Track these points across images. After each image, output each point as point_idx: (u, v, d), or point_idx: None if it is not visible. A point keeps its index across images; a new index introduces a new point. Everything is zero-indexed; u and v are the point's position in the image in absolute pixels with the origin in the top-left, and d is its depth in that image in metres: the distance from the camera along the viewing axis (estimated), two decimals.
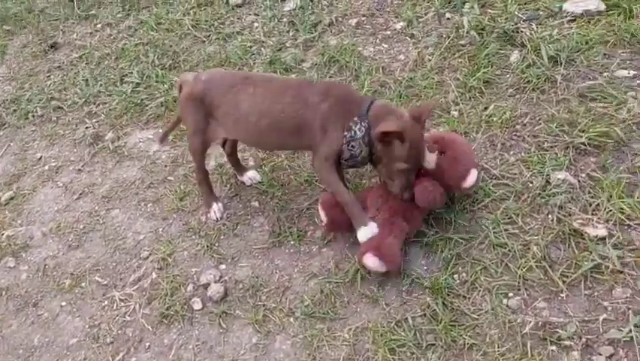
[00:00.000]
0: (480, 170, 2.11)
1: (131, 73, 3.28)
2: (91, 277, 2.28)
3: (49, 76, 3.53)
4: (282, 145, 2.20)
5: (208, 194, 2.34)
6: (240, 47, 3.29)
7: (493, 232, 1.99)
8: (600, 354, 1.64)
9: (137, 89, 3.17)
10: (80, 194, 2.67)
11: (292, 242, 2.20)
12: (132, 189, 2.62)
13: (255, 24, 3.53)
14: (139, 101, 3.07)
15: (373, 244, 1.89)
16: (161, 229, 2.39)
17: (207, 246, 2.26)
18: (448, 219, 2.08)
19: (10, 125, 3.22)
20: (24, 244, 2.48)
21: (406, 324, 1.84)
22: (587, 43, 2.67)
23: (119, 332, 2.06)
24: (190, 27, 3.58)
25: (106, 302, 2.17)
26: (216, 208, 2.33)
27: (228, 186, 2.50)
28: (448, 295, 1.87)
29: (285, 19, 3.48)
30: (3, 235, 2.54)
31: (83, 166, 2.81)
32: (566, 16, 2.88)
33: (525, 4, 3.05)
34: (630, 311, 1.69)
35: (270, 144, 2.19)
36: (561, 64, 2.60)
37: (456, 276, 1.92)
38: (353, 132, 1.94)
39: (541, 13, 2.95)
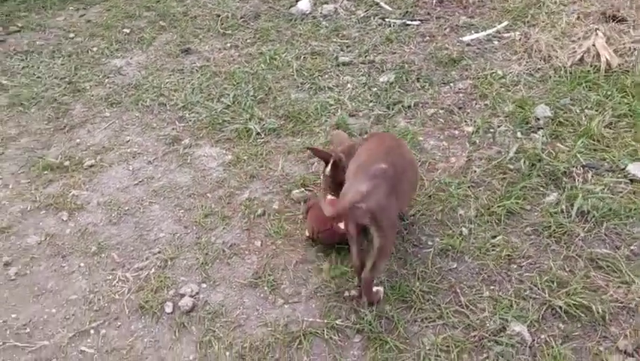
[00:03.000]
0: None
1: (228, 95, 3.76)
2: (110, 252, 2.72)
3: (170, 75, 4.13)
4: None
5: None
6: (322, 102, 3.62)
7: (426, 353, 2.09)
8: None
9: (226, 110, 3.63)
10: (140, 182, 3.15)
11: (265, 288, 2.46)
12: (177, 192, 3.05)
13: (348, 85, 3.84)
14: (221, 121, 3.53)
15: None
16: (178, 235, 2.78)
17: (202, 263, 2.60)
18: (397, 325, 2.21)
19: (123, 105, 3.85)
20: (81, 205, 3.01)
21: None
22: (628, 210, 2.62)
23: (105, 305, 2.47)
24: (294, 70, 3.99)
25: (110, 277, 2.60)
26: None
27: (245, 219, 2.82)
28: None
29: (374, 89, 3.76)
30: (71, 192, 3.09)
31: (153, 160, 3.31)
32: (625, 177, 2.83)
33: (595, 150, 3.03)
34: None
35: None
36: (589, 221, 2.59)
37: None
38: None
39: (605, 164, 2.93)
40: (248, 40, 4.51)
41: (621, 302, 2.23)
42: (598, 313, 2.18)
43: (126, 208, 2.98)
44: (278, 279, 2.49)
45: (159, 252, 2.69)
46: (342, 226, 2.40)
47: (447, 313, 2.24)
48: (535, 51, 3.97)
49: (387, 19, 4.67)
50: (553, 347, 2.07)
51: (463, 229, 2.63)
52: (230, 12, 4.95)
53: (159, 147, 3.41)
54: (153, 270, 2.61)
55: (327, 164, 2.58)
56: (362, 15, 4.76)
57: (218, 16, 4.86)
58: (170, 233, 2.80)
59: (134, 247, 2.75)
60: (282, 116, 3.55)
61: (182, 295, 2.45)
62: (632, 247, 2.48)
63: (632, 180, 2.81)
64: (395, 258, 2.51)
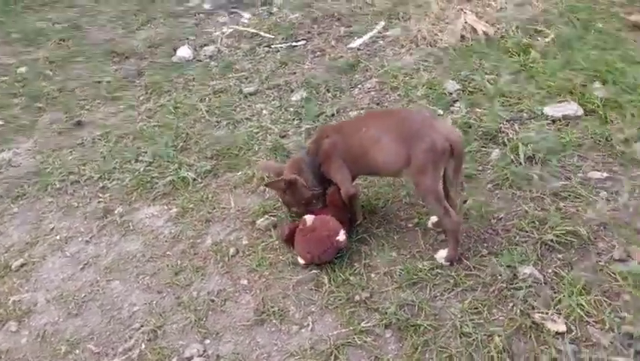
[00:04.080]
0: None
1: (146, 152, 3.56)
2: (85, 345, 2.42)
3: (71, 151, 3.82)
4: None
5: None
6: (246, 133, 3.57)
7: (460, 321, 2.11)
8: None
9: (149, 167, 3.43)
10: (85, 264, 2.85)
11: (274, 321, 2.33)
12: (133, 262, 2.80)
13: (264, 111, 3.83)
14: (149, 179, 3.32)
15: None
16: (154, 302, 2.54)
17: (195, 320, 2.40)
18: (420, 306, 2.21)
19: (29, 195, 3.47)
20: (28, 309, 2.65)
21: None
22: (563, 145, 2.87)
23: None
24: (204, 112, 3.90)
25: None
26: None
27: (221, 263, 2.67)
28: None
29: (291, 109, 3.78)
30: (9, 300, 2.71)
31: (90, 238, 3.02)
32: (547, 119, 3.10)
33: (510, 105, 3.29)
34: None
35: None
36: (537, 163, 2.79)
37: None
38: None
39: (523, 114, 3.18)
40: (141, 98, 4.32)
41: (596, 221, 2.42)
42: (584, 235, 2.34)
43: (82, 295, 2.68)
44: (283, 308, 2.38)
45: (142, 325, 2.45)
46: (340, 238, 2.36)
47: (460, 279, 2.27)
48: (421, 39, 4.26)
49: (272, 46, 4.75)
50: (564, 276, 2.19)
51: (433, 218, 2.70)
52: (108, 76, 4.71)
53: (91, 223, 3.13)
54: (144, 345, 2.36)
55: (284, 191, 2.58)
56: (247, 48, 4.79)
57: (99, 82, 4.61)
58: (145, 303, 2.56)
59: (110, 330, 2.47)
60: (211, 157, 3.43)
61: (190, 359, 2.24)
62: (579, 174, 2.72)
63: (553, 120, 3.08)
64: (387, 246, 2.51)
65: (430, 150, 2.20)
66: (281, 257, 2.62)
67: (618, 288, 2.11)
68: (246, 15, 5.53)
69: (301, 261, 2.50)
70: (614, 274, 2.16)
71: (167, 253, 2.81)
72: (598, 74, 3.29)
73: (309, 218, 2.49)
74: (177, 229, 2.95)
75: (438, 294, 2.25)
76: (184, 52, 4.89)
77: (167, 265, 2.72)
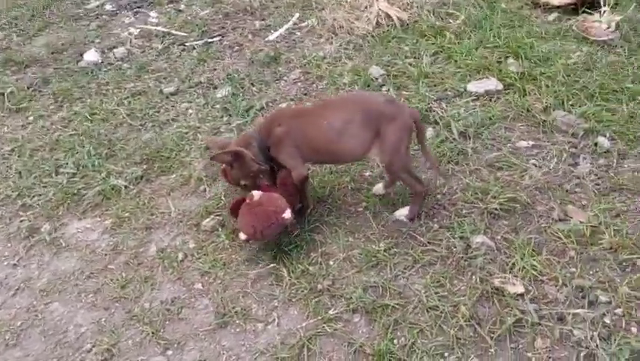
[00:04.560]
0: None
1: (67, 164, 3.32)
2: None
3: None
4: None
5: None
6: (175, 134, 3.43)
7: (425, 296, 2.16)
8: None
9: (74, 179, 3.20)
10: (17, 290, 2.62)
11: (237, 321, 2.27)
12: (71, 280, 2.61)
13: (190, 111, 3.70)
14: (75, 191, 3.10)
15: None
16: (103, 320, 2.39)
17: (152, 333, 2.28)
18: (384, 286, 2.24)
19: None
20: None
21: None
22: (490, 119, 3.02)
23: None
24: (125, 116, 3.70)
25: None
26: None
27: (170, 270, 2.55)
28: (390, 360, 1.99)
29: (218, 106, 3.68)
30: None
31: (18, 260, 2.77)
32: (471, 96, 3.24)
33: (435, 85, 3.41)
34: (552, 360, 1.88)
35: None
36: (470, 138, 2.91)
37: (395, 341, 2.06)
38: None
39: (449, 93, 3.31)
40: (52, 107, 4.02)
41: (532, 186, 2.57)
42: (524, 201, 2.47)
43: (19, 323, 2.46)
44: (244, 307, 2.32)
45: (93, 346, 2.29)
46: (286, 215, 2.33)
47: (418, 256, 2.33)
48: (338, 28, 4.29)
49: (187, 44, 4.59)
50: (513, 241, 2.31)
51: (379, 185, 2.74)
52: (10, 87, 4.33)
53: (16, 245, 2.87)
54: None
55: (230, 164, 2.54)
56: (160, 47, 4.60)
57: (1, 94, 4.23)
58: (93, 322, 2.39)
59: (57, 356, 2.29)
60: (141, 162, 3.27)
61: None
62: (508, 145, 2.88)
63: (477, 97, 3.23)
64: (341, 232, 2.52)
65: (401, 128, 2.31)
66: (234, 256, 2.55)
67: (563, 246, 2.25)
68: (153, 14, 5.30)
69: (242, 236, 2.45)
70: (558, 233, 2.30)
71: (109, 266, 2.65)
72: (510, 51, 3.49)
73: (256, 193, 2.43)
74: (115, 240, 2.78)
75: (399, 273, 2.29)
76: (91, 56, 4.60)
77: (111, 280, 2.56)
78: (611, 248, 2.21)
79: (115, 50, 4.66)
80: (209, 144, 2.94)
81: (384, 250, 2.38)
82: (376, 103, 2.38)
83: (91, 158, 3.33)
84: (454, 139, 2.90)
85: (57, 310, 2.47)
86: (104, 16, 5.39)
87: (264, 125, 2.56)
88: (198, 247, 2.64)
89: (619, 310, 1.99)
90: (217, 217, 2.76)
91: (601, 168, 2.62)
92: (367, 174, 2.83)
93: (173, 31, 4.83)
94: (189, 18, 5.04)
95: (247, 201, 2.43)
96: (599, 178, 2.58)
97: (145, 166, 3.23)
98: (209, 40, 4.59)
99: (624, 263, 2.16)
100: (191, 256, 2.60)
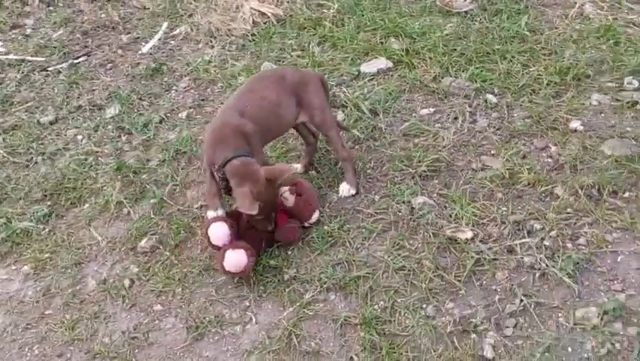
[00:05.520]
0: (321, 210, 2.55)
1: None
2: None
3: None
4: None
5: None
6: (73, 162, 3.19)
7: (390, 260, 2.30)
8: (507, 326, 2.02)
9: None
10: None
11: (213, 330, 2.22)
12: (6, 337, 2.34)
13: (79, 137, 3.45)
14: None
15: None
16: None
17: None
18: (349, 261, 2.34)
19: None
20: None
21: None
22: (390, 94, 3.25)
23: None
24: (5, 154, 3.34)
25: None
26: None
27: (120, 299, 2.41)
28: (377, 324, 2.10)
29: (110, 126, 3.48)
30: None
31: None
32: (366, 77, 3.45)
33: (330, 72, 3.56)
34: (515, 286, 2.13)
35: None
36: (379, 114, 3.11)
37: (376, 306, 2.17)
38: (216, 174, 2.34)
39: (345, 78, 3.49)
40: None
41: (447, 147, 2.84)
42: (446, 159, 2.73)
43: None
44: (217, 314, 2.27)
45: None
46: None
47: (371, 226, 2.46)
48: (215, 31, 4.28)
49: (50, 69, 4.25)
50: (447, 194, 2.55)
51: (312, 172, 2.83)
52: None
53: None
54: None
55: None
56: (19, 77, 4.19)
57: None
58: None
59: None
60: (44, 198, 2.99)
61: None
62: (414, 115, 3.12)
63: (372, 77, 3.45)
64: None
65: (319, 89, 2.57)
66: (186, 270, 2.47)
67: (490, 191, 2.53)
68: None
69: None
70: (483, 181, 2.57)
71: (46, 312, 2.42)
72: (389, 31, 3.76)
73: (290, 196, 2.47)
74: (43, 284, 2.55)
75: (359, 245, 2.40)
76: None
77: (54, 325, 2.35)
78: (529, 184, 2.53)
79: None
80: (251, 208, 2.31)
81: (338, 228, 2.47)
82: (286, 73, 2.60)
83: None
84: (367, 117, 3.07)
85: None
86: None
87: (236, 139, 2.34)
88: (143, 269, 2.51)
89: (553, 233, 2.30)
90: (154, 236, 2.65)
91: (496, 121, 2.97)
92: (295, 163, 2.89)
93: (29, 57, 4.43)
94: (42, 42, 4.66)
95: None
96: (497, 130, 2.91)
97: (49, 202, 2.98)
98: (75, 61, 4.29)
99: (544, 194, 2.49)
100: (139, 280, 2.47)
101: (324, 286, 2.26)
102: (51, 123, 3.60)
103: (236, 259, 2.27)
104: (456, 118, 3.02)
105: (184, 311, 2.30)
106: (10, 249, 2.73)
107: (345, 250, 2.39)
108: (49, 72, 4.19)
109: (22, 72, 4.24)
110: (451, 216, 2.44)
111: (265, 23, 4.22)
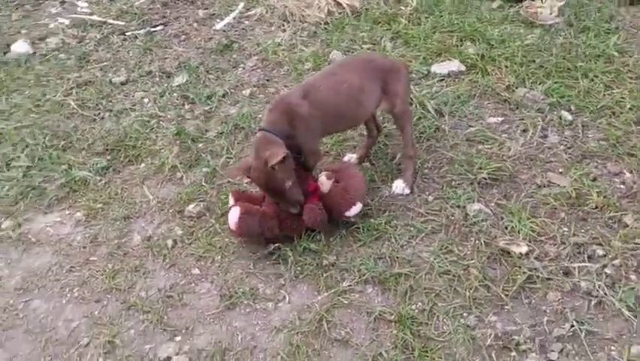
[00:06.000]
0: (365, 205, 2.40)
1: (18, 157, 3.04)
2: None
3: None
4: None
5: None
6: (136, 122, 3.25)
7: (436, 262, 2.21)
8: (553, 351, 1.89)
9: (30, 172, 2.94)
10: None
11: (246, 302, 2.19)
12: (50, 276, 2.40)
13: (146, 100, 3.52)
14: (36, 185, 2.85)
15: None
16: (97, 312, 2.22)
17: (156, 320, 2.15)
18: (392, 257, 2.26)
19: None
20: None
21: (381, 359, 1.94)
22: (459, 97, 3.14)
23: None
24: (76, 107, 3.46)
25: None
26: None
27: (161, 258, 2.42)
28: (412, 324, 2.02)
29: (176, 94, 3.53)
30: None
31: None
32: (436, 77, 3.36)
33: None
34: (567, 310, 1.99)
35: None
36: (444, 115, 3.01)
37: (414, 306, 2.08)
38: None
39: (414, 75, 3.40)
40: None
41: (512, 158, 2.71)
42: (509, 170, 2.60)
43: None
44: (251, 287, 2.25)
45: (90, 340, 2.12)
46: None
47: (420, 226, 2.37)
48: (290, 16, 4.27)
49: (128, 34, 4.37)
50: (506, 205, 2.42)
51: (366, 164, 2.77)
52: None
53: None
54: (102, 360, 2.04)
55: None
56: (99, 37, 4.34)
57: None
58: (85, 316, 2.22)
59: (50, 355, 2.11)
60: (104, 152, 3.07)
61: (169, 359, 2.00)
62: (480, 121, 3.01)
63: (442, 78, 3.35)
64: None
65: (406, 79, 2.56)
66: (228, 240, 2.46)
67: (554, 209, 2.39)
68: (82, 4, 5.00)
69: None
70: (546, 198, 2.44)
71: (91, 258, 2.47)
72: (466, 35, 3.65)
73: (326, 182, 2.36)
74: (92, 232, 2.60)
75: (404, 243, 2.32)
76: (20, 47, 4.26)
77: (97, 271, 2.39)
78: (596, 208, 2.38)
79: (47, 41, 4.36)
80: (235, 175, 2.54)
81: (385, 223, 2.40)
82: (375, 57, 2.66)
83: (47, 150, 3.08)
84: (431, 117, 2.98)
85: (40, 307, 2.27)
86: (26, 6, 5.02)
87: (280, 115, 2.29)
88: (187, 233, 2.52)
89: (616, 262, 2.14)
90: (202, 203, 2.65)
91: (568, 139, 2.81)
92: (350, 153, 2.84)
93: (110, 21, 4.59)
94: (124, 7, 4.81)
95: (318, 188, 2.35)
96: (568, 148, 2.76)
97: (109, 156, 3.04)
98: (152, 29, 4.40)
99: (611, 220, 2.33)
100: (182, 242, 2.48)
101: (363, 277, 2.19)
102: (122, 84, 3.70)
103: (230, 215, 2.29)
104: (525, 130, 2.88)
105: (220, 279, 2.29)
106: (67, 195, 2.81)
107: (389, 245, 2.31)
108: (126, 36, 4.32)
109: (103, 33, 4.38)
110: (506, 228, 2.32)
111: (340, 14, 4.18)
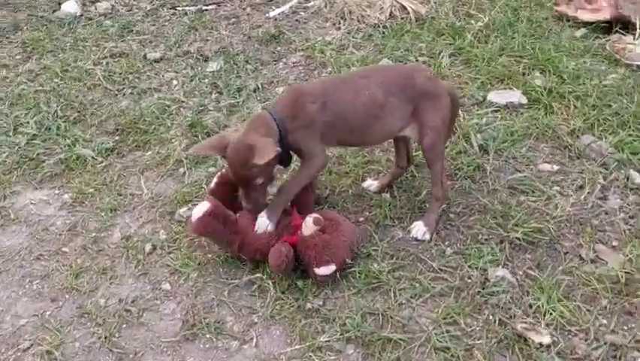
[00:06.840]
0: (341, 268, 2.01)
1: (27, 123, 2.90)
2: None
3: None
4: None
5: None
6: (156, 105, 3.03)
7: (435, 334, 1.84)
8: None
9: (34, 141, 2.79)
10: None
11: (208, 335, 1.91)
12: (16, 260, 2.21)
13: (174, 82, 3.31)
14: (34, 156, 2.70)
15: None
16: (48, 313, 2.01)
17: (105, 337, 1.91)
18: (385, 315, 1.91)
19: None
20: None
21: None
22: (512, 135, 2.72)
23: None
24: (101, 78, 3.29)
25: None
26: None
27: (135, 263, 2.18)
28: None
29: (207, 80, 3.30)
30: None
31: None
32: (491, 106, 2.94)
33: None
34: None
35: None
36: (489, 153, 2.60)
37: None
38: None
39: (466, 100, 3.00)
40: (18, 57, 3.58)
41: (558, 218, 2.27)
42: (550, 233, 2.18)
43: None
44: (218, 319, 1.96)
45: (32, 345, 1.90)
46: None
47: (428, 284, 2.00)
48: (348, 14, 3.94)
49: (179, 8, 4.17)
50: (538, 279, 2.00)
51: (385, 195, 2.41)
52: None
53: None
54: None
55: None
56: (148, 8, 4.18)
57: None
58: (36, 314, 2.01)
59: None
60: (114, 132, 2.88)
61: None
62: (530, 167, 2.57)
63: (497, 108, 2.92)
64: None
65: (445, 108, 2.14)
66: (211, 256, 2.18)
67: (595, 293, 1.96)
68: None
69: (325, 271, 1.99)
70: (589, 277, 2.00)
71: (63, 249, 2.27)
72: (536, 63, 3.19)
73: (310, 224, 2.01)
74: (74, 219, 2.39)
75: (404, 301, 1.96)
76: (71, 6, 4.17)
77: (63, 265, 2.18)
78: None
79: (97, 4, 4.25)
80: (198, 152, 2.33)
81: (388, 272, 2.05)
82: (418, 76, 2.15)
83: (57, 120, 2.92)
84: (472, 152, 2.58)
85: None
86: None
87: (288, 104, 2.06)
88: (170, 239, 2.27)
89: None
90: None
91: (633, 206, 2.34)
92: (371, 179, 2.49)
93: None
94: None
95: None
96: (630, 217, 2.30)
97: (117, 137, 2.85)
98: (204, 7, 4.20)
99: None
100: (161, 249, 2.24)
101: (346, 334, 1.86)
102: (155, 61, 3.53)
103: (196, 209, 2.03)
104: (581, 187, 2.43)
105: (189, 302, 2.02)
106: (62, 172, 2.64)
107: (386, 300, 1.96)
108: (176, 11, 4.14)
109: (153, 4, 4.23)
110: (530, 307, 1.91)
111: (402, 19, 3.81)
